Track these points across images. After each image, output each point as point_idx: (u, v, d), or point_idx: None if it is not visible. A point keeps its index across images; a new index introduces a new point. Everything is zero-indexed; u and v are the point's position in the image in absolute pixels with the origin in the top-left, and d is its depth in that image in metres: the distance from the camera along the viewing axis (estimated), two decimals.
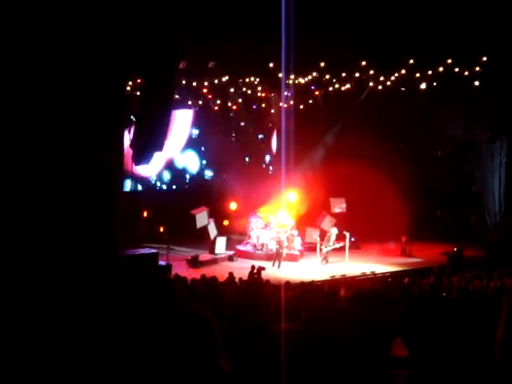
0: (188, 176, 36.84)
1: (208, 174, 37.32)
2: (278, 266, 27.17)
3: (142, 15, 16.45)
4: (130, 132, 19.04)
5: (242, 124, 35.58)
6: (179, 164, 35.79)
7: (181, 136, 34.67)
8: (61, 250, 15.14)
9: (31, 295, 13.37)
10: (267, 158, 37.92)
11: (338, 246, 28.03)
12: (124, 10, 15.67)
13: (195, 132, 35.88)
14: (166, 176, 35.79)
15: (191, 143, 36.00)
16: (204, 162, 36.97)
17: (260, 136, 37.46)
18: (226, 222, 32.54)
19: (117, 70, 16.62)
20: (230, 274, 20.51)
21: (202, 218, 28.70)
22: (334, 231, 28.36)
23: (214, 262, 28.01)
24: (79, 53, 14.97)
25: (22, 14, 13.89)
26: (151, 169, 32.81)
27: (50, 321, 11.88)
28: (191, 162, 36.48)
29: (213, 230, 29.20)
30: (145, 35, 17.06)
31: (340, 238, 28.23)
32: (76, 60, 14.98)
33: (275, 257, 27.53)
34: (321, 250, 28.27)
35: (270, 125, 35.94)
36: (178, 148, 35.05)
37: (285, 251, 28.16)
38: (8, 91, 14.05)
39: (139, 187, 34.44)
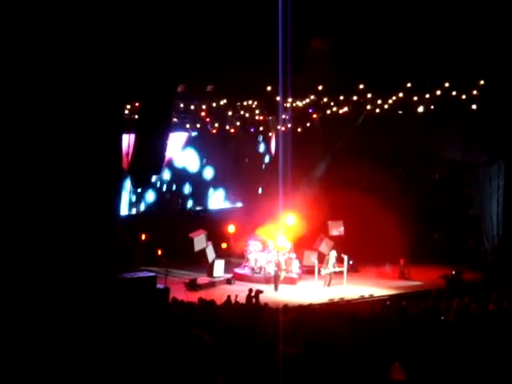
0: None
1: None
2: (276, 289, 27.16)
3: (142, 41, 16.54)
4: (128, 155, 19.04)
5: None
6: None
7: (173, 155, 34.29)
8: (60, 273, 15.10)
9: (30, 316, 13.31)
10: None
11: (338, 269, 27.98)
12: (124, 37, 15.77)
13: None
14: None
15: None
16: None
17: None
18: (224, 245, 32.51)
19: (115, 94, 16.67)
20: (228, 297, 20.49)
21: (200, 241, 28.66)
22: (333, 254, 28.34)
23: (212, 285, 27.96)
24: (79, 78, 15.05)
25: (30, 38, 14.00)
26: None
27: (50, 342, 11.82)
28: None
29: (211, 253, 29.16)
30: (144, 61, 17.14)
31: (338, 260, 28.21)
32: (76, 85, 15.04)
33: (275, 280, 27.53)
34: (319, 272, 28.23)
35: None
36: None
37: (283, 274, 28.13)
38: (13, 113, 14.13)
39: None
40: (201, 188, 36.66)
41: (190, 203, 36.60)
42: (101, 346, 11.78)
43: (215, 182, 36.98)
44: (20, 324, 13.00)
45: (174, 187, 35.72)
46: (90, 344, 12.03)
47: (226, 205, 37.33)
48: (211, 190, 37.15)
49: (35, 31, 13.88)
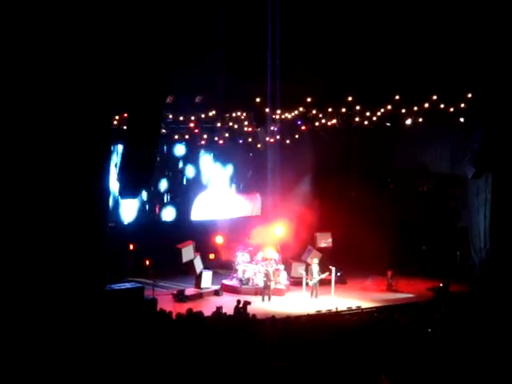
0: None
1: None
2: (269, 299, 27.24)
3: (131, 52, 16.57)
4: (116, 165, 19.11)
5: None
6: None
7: None
8: (47, 283, 15.06)
9: (16, 324, 13.27)
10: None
11: (323, 276, 28.01)
12: (113, 46, 15.80)
13: None
14: None
15: None
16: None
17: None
18: (211, 256, 32.37)
19: (103, 105, 16.69)
20: (218, 308, 20.45)
21: (187, 252, 28.56)
22: (316, 261, 28.46)
23: (200, 296, 27.87)
24: (67, 88, 15.06)
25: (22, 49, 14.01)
26: None
27: (36, 351, 11.77)
28: None
29: (198, 265, 29.06)
30: (133, 71, 17.17)
31: (326, 272, 28.16)
32: (64, 95, 15.06)
33: (264, 290, 27.55)
34: (307, 284, 28.23)
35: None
36: None
37: (272, 283, 28.10)
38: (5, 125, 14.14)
39: None
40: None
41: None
42: (88, 356, 11.73)
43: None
44: (7, 332, 12.94)
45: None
46: (77, 354, 11.99)
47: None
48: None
49: (27, 41, 13.90)
